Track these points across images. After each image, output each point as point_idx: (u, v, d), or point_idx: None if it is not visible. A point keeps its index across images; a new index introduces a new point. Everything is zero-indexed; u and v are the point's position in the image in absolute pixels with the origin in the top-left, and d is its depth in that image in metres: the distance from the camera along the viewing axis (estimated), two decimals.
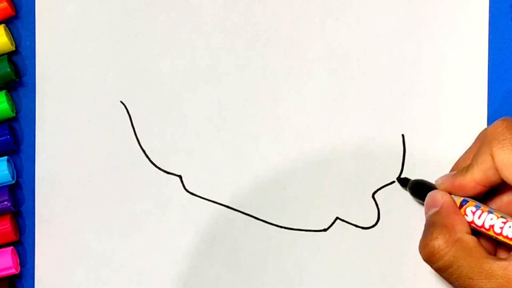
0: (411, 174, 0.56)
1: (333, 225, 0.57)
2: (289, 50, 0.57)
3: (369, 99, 0.57)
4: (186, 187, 0.58)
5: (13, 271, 0.57)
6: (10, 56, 0.58)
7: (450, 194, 0.51)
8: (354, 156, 0.57)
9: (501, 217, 0.49)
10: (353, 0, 0.57)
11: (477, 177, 0.50)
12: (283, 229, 0.57)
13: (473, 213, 0.50)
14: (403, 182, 0.56)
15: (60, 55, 0.58)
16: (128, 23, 0.58)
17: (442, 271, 0.49)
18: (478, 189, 0.50)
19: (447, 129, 0.56)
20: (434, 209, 0.51)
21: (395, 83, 0.57)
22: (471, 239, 0.49)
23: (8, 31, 0.58)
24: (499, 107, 0.56)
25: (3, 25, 0.58)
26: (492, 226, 0.49)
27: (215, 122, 0.58)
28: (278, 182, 0.57)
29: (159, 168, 0.58)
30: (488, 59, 0.56)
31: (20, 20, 0.59)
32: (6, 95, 0.58)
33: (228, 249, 0.57)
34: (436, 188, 0.52)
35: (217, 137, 0.58)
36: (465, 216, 0.50)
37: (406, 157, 0.56)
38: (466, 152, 0.53)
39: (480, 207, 0.50)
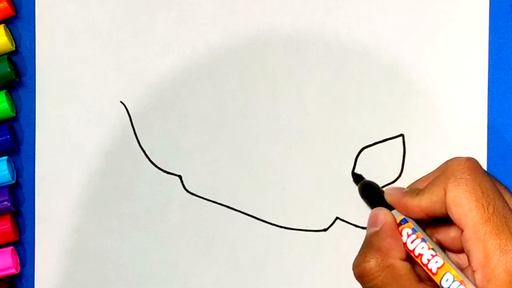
0: (411, 174, 0.56)
1: (333, 225, 0.57)
2: (289, 50, 0.57)
3: (369, 99, 0.57)
4: (186, 187, 0.58)
5: (13, 271, 0.57)
6: (10, 56, 0.58)
7: (395, 208, 0.51)
8: (354, 156, 0.57)
9: (432, 249, 0.48)
10: (353, 0, 0.57)
11: (423, 205, 0.49)
12: (283, 229, 0.57)
13: (408, 235, 0.49)
14: (357, 177, 0.56)
15: (60, 55, 0.58)
16: (128, 23, 0.58)
17: None
18: (421, 215, 0.49)
19: (447, 129, 0.56)
20: (374, 229, 0.50)
21: (395, 83, 0.57)
22: (403, 266, 0.48)
23: (8, 31, 0.58)
24: (499, 107, 0.56)
25: (3, 25, 0.58)
26: (421, 255, 0.48)
27: (215, 122, 0.58)
28: (278, 182, 0.57)
29: (159, 168, 0.58)
30: (488, 59, 0.56)
31: (20, 20, 0.59)
32: (6, 95, 0.58)
33: (228, 249, 0.57)
34: (383, 195, 0.52)
35: (217, 137, 0.58)
36: (401, 236, 0.49)
37: (406, 157, 0.56)
38: (427, 175, 0.51)
39: (416, 231, 0.49)
